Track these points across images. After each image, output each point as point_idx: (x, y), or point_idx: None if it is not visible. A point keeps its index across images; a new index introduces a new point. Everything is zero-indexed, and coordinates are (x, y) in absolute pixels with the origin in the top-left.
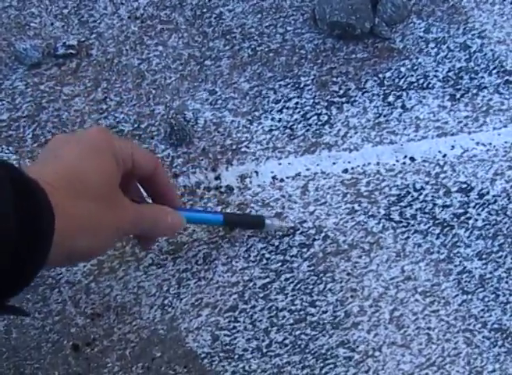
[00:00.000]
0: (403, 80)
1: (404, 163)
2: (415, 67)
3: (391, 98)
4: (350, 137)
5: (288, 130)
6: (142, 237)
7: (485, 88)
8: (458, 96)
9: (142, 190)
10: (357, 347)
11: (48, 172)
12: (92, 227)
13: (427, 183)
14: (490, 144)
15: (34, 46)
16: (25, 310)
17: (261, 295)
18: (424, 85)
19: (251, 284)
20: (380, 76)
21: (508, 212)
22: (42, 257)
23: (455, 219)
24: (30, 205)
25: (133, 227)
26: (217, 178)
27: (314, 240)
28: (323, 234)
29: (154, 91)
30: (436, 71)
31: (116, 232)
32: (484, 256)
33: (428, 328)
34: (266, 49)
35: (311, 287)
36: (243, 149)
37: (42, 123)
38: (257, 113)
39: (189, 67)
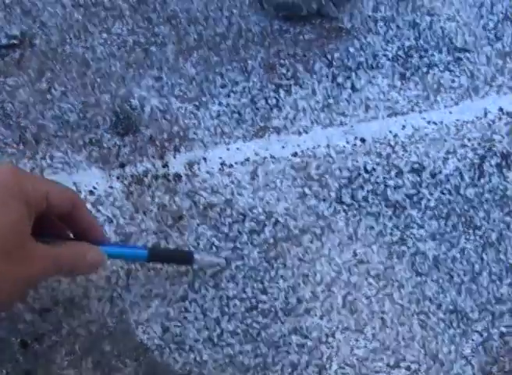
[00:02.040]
0: (351, 60)
1: (355, 145)
2: (364, 47)
3: (340, 79)
4: (300, 119)
5: (236, 115)
6: (61, 275)
7: (436, 66)
8: (408, 75)
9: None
10: (310, 333)
11: None
12: None
13: (378, 164)
14: (441, 122)
15: None
16: None
17: (212, 284)
18: (374, 65)
19: (201, 273)
20: (328, 56)
21: (461, 191)
22: None
23: (407, 200)
24: None
25: (48, 274)
26: (164, 166)
27: (265, 226)
28: (273, 220)
29: (99, 80)
30: (385, 50)
31: (26, 285)
32: (437, 237)
33: (382, 312)
34: (212, 33)
35: (262, 274)
36: (190, 136)
37: None
38: (204, 99)
39: (134, 54)
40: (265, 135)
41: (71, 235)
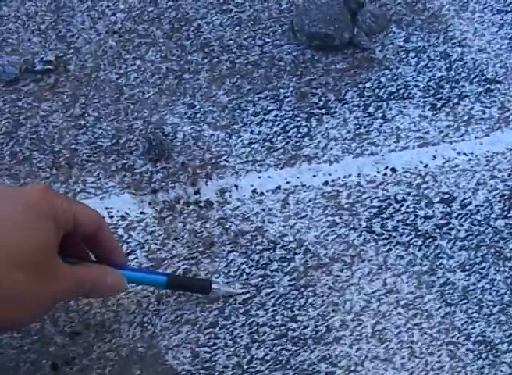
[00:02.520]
0: (383, 90)
1: (385, 174)
2: (395, 77)
3: (371, 109)
4: (331, 148)
5: (267, 143)
6: (81, 296)
7: (466, 97)
8: (439, 105)
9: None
10: (339, 362)
11: None
12: (21, 299)
13: (408, 194)
14: (472, 153)
15: (11, 62)
16: None
17: (242, 311)
18: (405, 95)
19: (231, 300)
20: (360, 86)
21: (491, 222)
22: None
23: (437, 230)
24: None
25: (69, 294)
26: (196, 193)
27: (295, 254)
28: (304, 248)
29: (132, 106)
30: (417, 81)
31: (50, 302)
32: (467, 267)
33: (411, 341)
34: (245, 61)
35: (291, 301)
36: (222, 163)
37: (20, 139)
38: (236, 126)
39: (167, 81)
40: (296, 163)
41: (93, 258)
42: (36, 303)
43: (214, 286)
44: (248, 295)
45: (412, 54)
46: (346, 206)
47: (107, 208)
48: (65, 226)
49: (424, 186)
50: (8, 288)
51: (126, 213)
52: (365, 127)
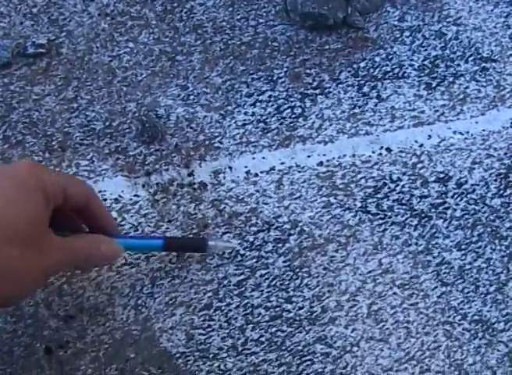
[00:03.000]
0: (377, 69)
1: (380, 154)
2: (390, 56)
3: (366, 89)
4: (325, 129)
5: (261, 124)
6: (77, 268)
7: (462, 76)
8: (434, 85)
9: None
10: (335, 342)
11: None
12: (14, 275)
13: (404, 173)
14: (468, 132)
15: (3, 46)
16: None
17: (236, 292)
18: (400, 74)
19: (226, 282)
20: (354, 66)
21: (487, 201)
22: None
23: (433, 210)
24: None
25: (63, 265)
26: (190, 175)
27: (290, 235)
28: (298, 229)
29: (125, 89)
30: (411, 60)
31: (43, 276)
32: (463, 247)
33: (407, 322)
34: (238, 42)
35: (286, 282)
36: (216, 144)
37: (13, 123)
38: (230, 108)
39: (160, 63)
40: (291, 144)
41: (86, 229)
42: (29, 278)
43: (210, 243)
44: (243, 277)
45: (407, 33)
46: (340, 186)
47: (100, 192)
48: (54, 199)
49: (419, 165)
50: (6, 265)
51: (120, 196)
52: (360, 107)
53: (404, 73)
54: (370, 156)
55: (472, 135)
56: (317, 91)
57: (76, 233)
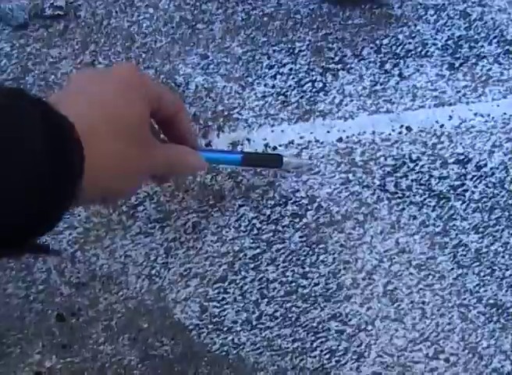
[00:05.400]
0: (400, 47)
1: (400, 133)
2: (413, 34)
3: (388, 66)
4: (346, 105)
5: (281, 97)
6: (161, 177)
7: (485, 58)
8: (457, 65)
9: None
10: (350, 320)
11: (84, 112)
12: (127, 169)
13: (423, 153)
14: (489, 115)
15: (21, 6)
16: (57, 250)
17: (252, 266)
18: (423, 53)
19: (241, 255)
20: (377, 43)
21: (506, 185)
22: (71, 194)
23: (451, 192)
24: (60, 141)
25: (162, 168)
26: (208, 145)
27: (307, 210)
28: (316, 204)
29: (144, 55)
30: (435, 39)
31: (148, 174)
32: (480, 230)
33: (423, 302)
34: (260, 13)
35: (302, 258)
36: (234, 116)
37: (28, 85)
38: (249, 79)
39: (180, 31)
40: (311, 119)
41: None
42: (140, 172)
43: (285, 159)
44: (258, 250)
45: (431, 11)
46: (359, 164)
47: None
48: (152, 103)
49: (439, 146)
50: (122, 159)
51: None
52: (381, 84)
53: (427, 51)
54: (390, 134)
55: (493, 118)
56: (338, 66)
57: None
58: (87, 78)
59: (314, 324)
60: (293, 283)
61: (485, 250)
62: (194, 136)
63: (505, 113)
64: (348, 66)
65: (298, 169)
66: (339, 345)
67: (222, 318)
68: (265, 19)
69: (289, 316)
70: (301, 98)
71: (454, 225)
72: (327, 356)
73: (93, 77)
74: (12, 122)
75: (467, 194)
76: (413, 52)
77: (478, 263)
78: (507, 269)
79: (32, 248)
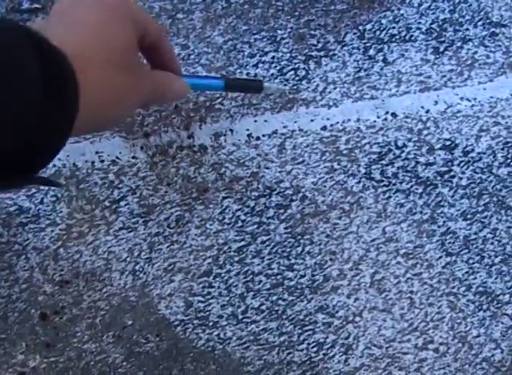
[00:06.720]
0: (384, 32)
1: (386, 119)
2: (397, 19)
3: (372, 52)
4: (329, 92)
5: None
6: (146, 103)
7: (470, 41)
8: (442, 49)
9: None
10: (337, 312)
11: (72, 38)
12: (120, 96)
13: (409, 140)
14: (475, 99)
15: None
16: (57, 181)
17: (237, 259)
18: (407, 38)
19: (226, 248)
20: (360, 28)
21: (493, 170)
22: (68, 122)
23: (438, 178)
24: (54, 70)
25: (149, 94)
26: (190, 137)
27: (292, 200)
28: (301, 195)
29: None
30: (419, 23)
31: (139, 100)
32: (468, 216)
33: (411, 292)
34: (241, 1)
35: (288, 250)
36: (217, 106)
37: None
38: (231, 68)
39: (160, 21)
40: (294, 107)
41: None
42: (132, 99)
43: (265, 84)
44: (243, 243)
45: None
46: (344, 152)
47: (97, 153)
48: (138, 29)
49: (425, 132)
50: (114, 87)
51: (117, 158)
52: (365, 71)
53: (411, 36)
54: (375, 121)
55: (480, 102)
56: (321, 53)
57: None
58: (71, 4)
59: (301, 317)
60: (279, 276)
61: (473, 237)
62: (178, 62)
63: (492, 97)
64: (331, 52)
65: (276, 94)
66: (326, 338)
67: (208, 313)
68: (246, 6)
69: (276, 309)
70: (284, 86)
71: (442, 212)
72: (314, 349)
73: (77, 3)
74: (4, 49)
75: (455, 180)
76: (397, 37)
77: (466, 250)
78: (496, 256)
79: (33, 180)
